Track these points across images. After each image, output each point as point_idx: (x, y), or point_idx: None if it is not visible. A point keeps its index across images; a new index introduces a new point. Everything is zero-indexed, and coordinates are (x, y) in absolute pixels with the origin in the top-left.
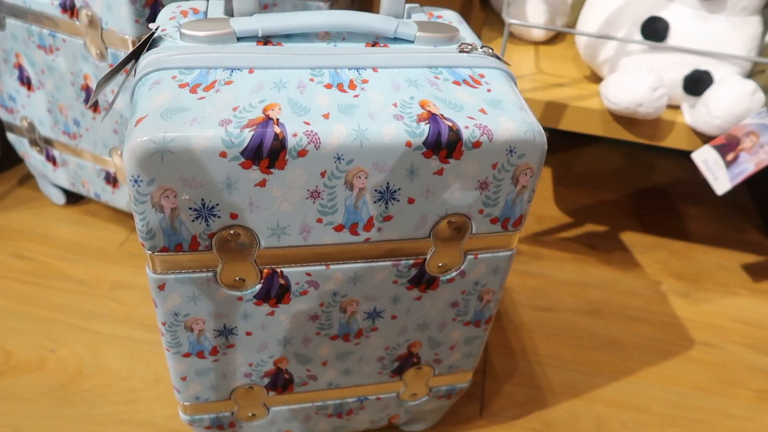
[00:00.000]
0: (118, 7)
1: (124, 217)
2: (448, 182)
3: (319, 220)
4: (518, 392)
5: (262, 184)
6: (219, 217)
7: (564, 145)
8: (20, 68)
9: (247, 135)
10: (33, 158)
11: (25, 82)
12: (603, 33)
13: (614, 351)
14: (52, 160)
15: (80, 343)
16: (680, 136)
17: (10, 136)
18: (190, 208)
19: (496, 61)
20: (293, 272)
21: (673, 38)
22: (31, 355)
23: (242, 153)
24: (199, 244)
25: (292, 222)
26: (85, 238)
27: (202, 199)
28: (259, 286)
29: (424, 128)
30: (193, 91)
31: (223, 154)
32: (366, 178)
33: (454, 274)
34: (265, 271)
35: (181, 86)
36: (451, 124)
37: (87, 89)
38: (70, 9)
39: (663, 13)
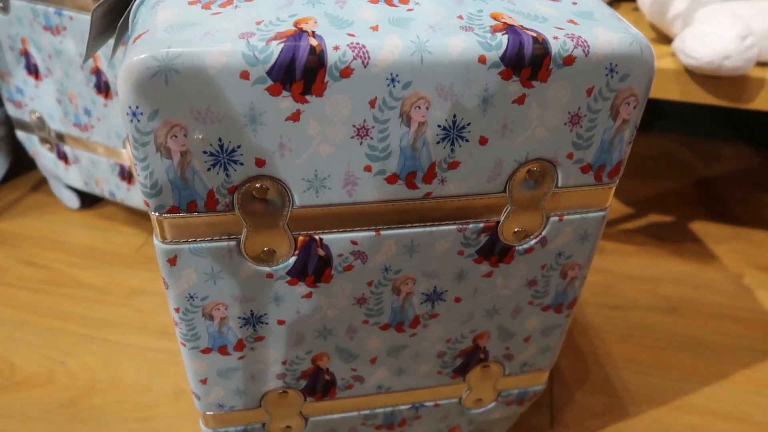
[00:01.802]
0: None
1: (141, 219)
2: (531, 114)
3: (368, 168)
4: (593, 400)
5: (296, 117)
6: (241, 164)
7: None
8: (27, 55)
9: (276, 48)
10: (44, 157)
11: (33, 70)
12: None
13: (699, 352)
14: (63, 157)
15: (92, 354)
16: None
17: (20, 135)
18: (205, 152)
19: None
20: (335, 240)
21: None
22: (38, 368)
23: (269, 73)
24: (218, 202)
25: (333, 170)
26: (100, 243)
27: (220, 140)
28: (293, 259)
29: (502, 39)
30: (205, 7)
31: (245, 75)
32: (427, 108)
33: (533, 242)
34: (301, 238)
35: (191, 3)
36: (535, 35)
37: (97, 72)
38: None
39: None
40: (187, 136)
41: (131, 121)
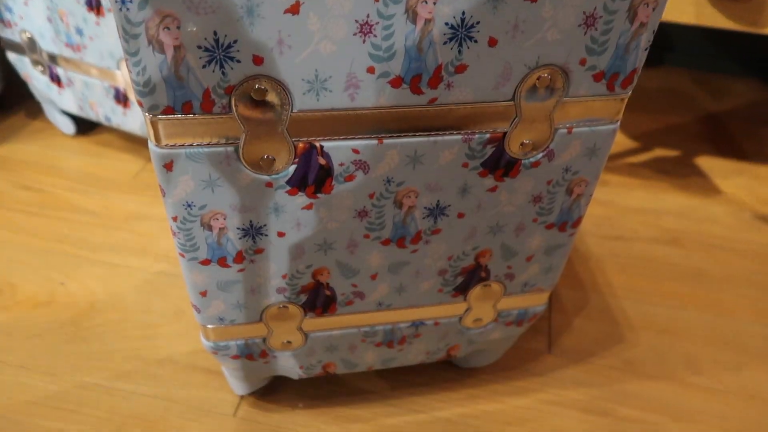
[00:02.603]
0: None
1: (138, 146)
2: (544, 13)
3: (371, 69)
4: (592, 327)
5: (295, 9)
6: (238, 61)
7: None
8: None
9: None
10: (37, 80)
11: None
12: None
13: (699, 282)
14: (56, 80)
15: (92, 276)
16: None
17: (11, 57)
18: (200, 47)
19: None
20: (336, 147)
21: None
22: (38, 288)
23: None
24: (214, 102)
25: (335, 71)
26: (96, 169)
27: (215, 33)
28: (293, 167)
29: None
30: None
31: None
32: (435, 3)
33: (540, 155)
34: (301, 145)
35: None
36: None
37: None
38: None
39: None
40: (180, 29)
41: (120, 9)
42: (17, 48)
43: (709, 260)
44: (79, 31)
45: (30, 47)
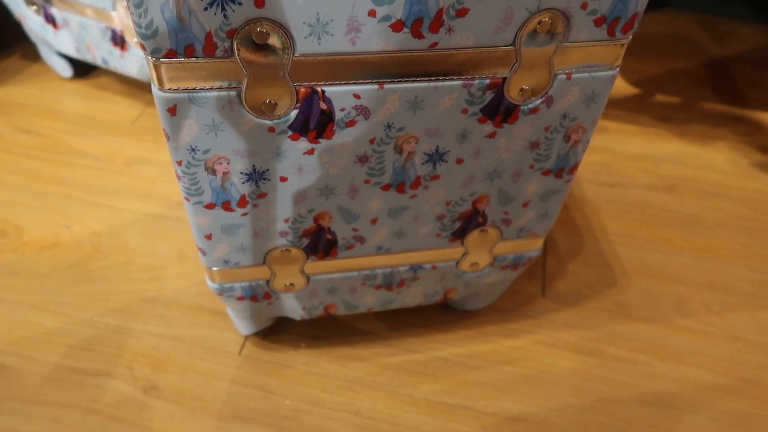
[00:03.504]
0: None
1: (137, 90)
2: None
3: (372, 13)
4: (585, 271)
5: None
6: (240, 3)
7: None
8: None
9: None
10: (31, 20)
11: None
12: None
13: (693, 228)
14: (51, 21)
15: (96, 219)
16: None
17: None
18: None
19: None
20: (337, 92)
21: None
22: (43, 231)
23: None
24: (216, 46)
25: (336, 14)
26: (96, 112)
27: None
28: (295, 112)
29: None
30: None
31: None
32: None
33: (538, 101)
34: (302, 90)
35: None
36: None
37: None
38: None
39: None
40: None
41: None
42: None
43: (704, 207)
44: None
45: None
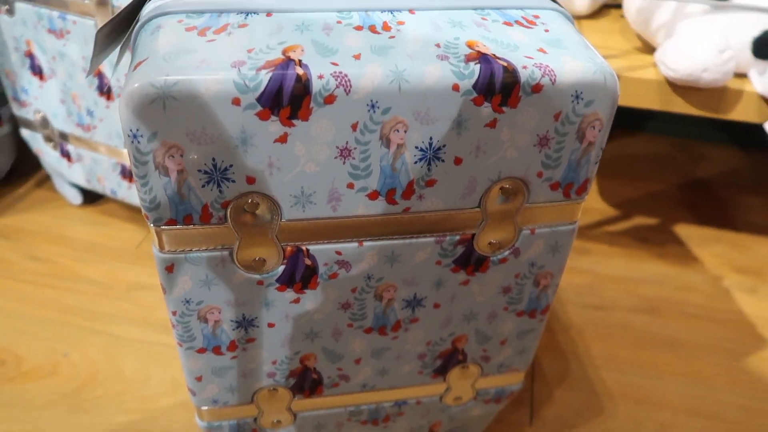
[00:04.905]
0: None
1: (141, 217)
2: (502, 137)
3: (350, 185)
4: (572, 397)
5: (283, 139)
6: (233, 181)
7: None
8: (31, 56)
9: (264, 77)
10: (47, 155)
11: (37, 71)
12: None
13: (675, 351)
14: (66, 155)
15: (94, 346)
16: (749, 106)
17: (24, 133)
18: (200, 171)
19: (550, 1)
20: (321, 250)
21: None
22: (42, 360)
23: (258, 99)
24: (212, 215)
25: (318, 187)
26: (101, 239)
27: (213, 159)
28: (282, 268)
29: (474, 68)
30: (201, 34)
31: (236, 101)
32: (405, 131)
33: (506, 253)
34: (289, 248)
35: (188, 29)
36: (505, 64)
37: (99, 75)
38: None
39: None
40: (183, 156)
41: (132, 142)
42: (30, 125)
43: (686, 329)
44: (90, 113)
45: (42, 125)
